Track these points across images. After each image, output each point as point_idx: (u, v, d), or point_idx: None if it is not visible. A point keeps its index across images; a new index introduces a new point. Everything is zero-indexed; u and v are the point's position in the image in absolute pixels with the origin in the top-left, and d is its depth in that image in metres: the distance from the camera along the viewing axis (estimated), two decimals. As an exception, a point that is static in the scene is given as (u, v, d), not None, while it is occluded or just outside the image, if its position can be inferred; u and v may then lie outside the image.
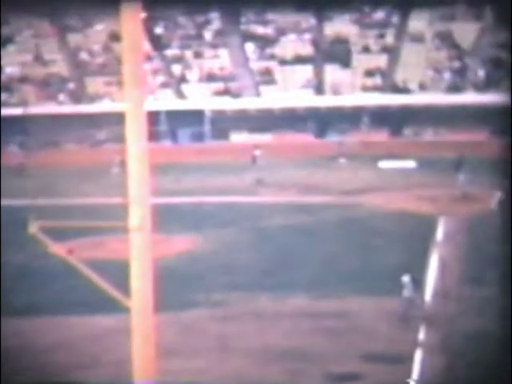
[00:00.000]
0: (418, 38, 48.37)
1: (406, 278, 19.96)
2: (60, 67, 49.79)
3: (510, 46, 41.12)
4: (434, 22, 48.92)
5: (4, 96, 48.37)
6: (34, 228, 8.54)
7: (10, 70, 49.64)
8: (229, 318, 19.68)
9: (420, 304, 19.93)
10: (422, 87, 46.51)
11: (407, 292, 19.73)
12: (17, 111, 44.23)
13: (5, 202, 32.26)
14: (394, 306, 19.68)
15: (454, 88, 45.95)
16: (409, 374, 16.42)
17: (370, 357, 17.31)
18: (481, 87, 45.21)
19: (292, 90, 47.75)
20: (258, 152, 40.64)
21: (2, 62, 49.93)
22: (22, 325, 19.49)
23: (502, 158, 27.63)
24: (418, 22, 48.98)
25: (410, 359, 17.10)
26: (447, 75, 46.80)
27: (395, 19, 50.29)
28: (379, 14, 50.97)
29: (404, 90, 46.48)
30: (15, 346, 18.09)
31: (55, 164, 39.90)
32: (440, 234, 27.32)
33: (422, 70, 46.99)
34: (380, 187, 34.95)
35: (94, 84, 48.61)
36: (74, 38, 50.95)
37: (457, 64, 47.18)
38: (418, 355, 17.34)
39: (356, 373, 16.60)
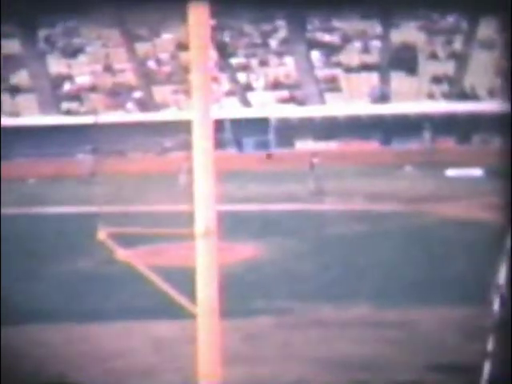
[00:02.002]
0: (488, 45, 47.60)
1: (497, 290, 19.63)
2: (128, 76, 50.70)
3: None
4: (504, 28, 48.08)
5: (74, 105, 49.47)
6: (102, 235, 8.70)
7: (80, 80, 50.78)
8: (292, 327, 19.66)
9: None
10: (491, 94, 45.73)
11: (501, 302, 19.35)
12: (87, 120, 45.20)
13: (75, 209, 32.93)
14: (460, 317, 19.37)
15: (524, 95, 45.01)
16: (476, 386, 16.14)
17: (436, 367, 17.08)
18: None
19: (357, 98, 47.53)
20: (316, 159, 40.42)
21: (73, 72, 51.11)
22: (88, 331, 19.83)
23: None
24: (488, 29, 48.22)
25: (477, 370, 16.80)
26: (517, 82, 45.90)
27: (464, 25, 49.61)
28: (447, 21, 50.37)
29: (472, 97, 45.77)
30: (81, 352, 18.42)
31: (123, 172, 40.55)
32: (509, 243, 26.74)
33: (491, 77, 46.20)
34: (447, 195, 34.44)
35: (162, 92, 49.34)
36: (142, 48, 51.83)
37: (527, 70, 46.25)
38: (487, 366, 17.02)
39: (421, 383, 16.40)
